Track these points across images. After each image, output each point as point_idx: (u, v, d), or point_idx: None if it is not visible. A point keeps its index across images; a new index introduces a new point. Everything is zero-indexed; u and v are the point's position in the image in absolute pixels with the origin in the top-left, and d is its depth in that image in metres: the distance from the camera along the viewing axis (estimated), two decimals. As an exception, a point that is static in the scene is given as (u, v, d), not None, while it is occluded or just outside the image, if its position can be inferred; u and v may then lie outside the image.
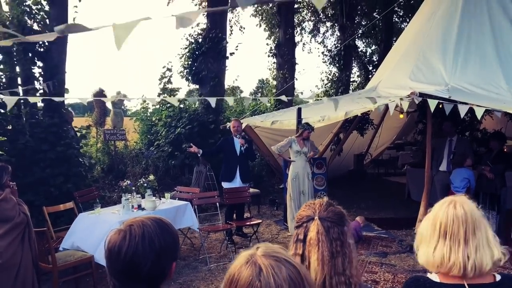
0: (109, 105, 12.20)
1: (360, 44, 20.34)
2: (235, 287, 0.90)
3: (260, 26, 16.74)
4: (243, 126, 8.47)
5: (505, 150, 7.09)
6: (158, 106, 11.31)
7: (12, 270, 3.57)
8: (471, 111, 5.20)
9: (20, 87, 7.09)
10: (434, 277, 1.53)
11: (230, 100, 5.06)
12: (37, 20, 7.56)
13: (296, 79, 14.47)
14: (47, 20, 7.65)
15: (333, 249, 1.44)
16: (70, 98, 5.78)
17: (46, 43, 7.42)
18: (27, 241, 3.70)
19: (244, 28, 15.53)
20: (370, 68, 18.63)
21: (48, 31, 7.46)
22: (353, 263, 1.46)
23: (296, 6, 16.21)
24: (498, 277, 1.46)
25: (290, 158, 7.09)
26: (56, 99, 5.85)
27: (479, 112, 4.81)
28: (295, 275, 0.90)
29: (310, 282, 0.93)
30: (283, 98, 5.21)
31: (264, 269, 0.89)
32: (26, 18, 7.38)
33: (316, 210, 1.50)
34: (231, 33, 12.95)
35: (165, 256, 1.23)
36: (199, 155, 7.04)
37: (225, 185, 6.89)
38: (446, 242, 1.44)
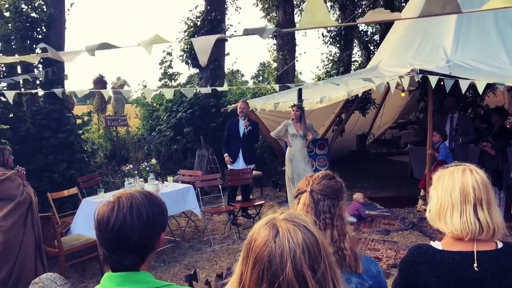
0: (109, 91, 12.16)
1: (361, 23, 20.10)
2: (252, 246, 0.93)
3: (257, 5, 16.48)
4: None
5: (507, 126, 7.07)
6: (158, 91, 11.28)
7: (14, 247, 3.73)
8: (473, 87, 5.17)
9: (19, 76, 7.08)
10: (436, 244, 1.56)
11: (225, 88, 5.08)
12: (34, 7, 7.50)
13: (297, 61, 14.37)
14: (44, 7, 7.60)
15: (321, 221, 1.45)
16: (66, 91, 5.76)
17: (44, 29, 7.39)
18: (30, 222, 3.83)
19: (240, 8, 15.31)
20: (372, 47, 18.45)
21: (46, 19, 7.43)
22: (347, 236, 1.47)
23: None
24: (500, 245, 1.50)
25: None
26: (56, 90, 5.82)
27: (480, 86, 4.77)
28: (311, 241, 0.91)
29: (327, 251, 0.94)
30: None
31: (281, 231, 0.91)
32: (23, 5, 7.33)
33: (310, 183, 1.52)
34: (231, 14, 12.81)
35: (153, 226, 1.26)
36: (231, 161, 6.99)
37: (228, 167, 7.00)
38: (483, 208, 1.46)
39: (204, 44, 1.75)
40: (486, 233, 1.45)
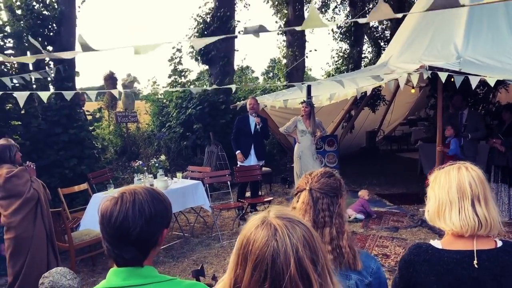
0: (120, 87, 12.26)
1: (371, 19, 19.91)
2: (250, 249, 0.91)
3: (267, 2, 16.42)
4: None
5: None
6: (168, 88, 11.35)
7: (26, 242, 3.83)
8: (484, 83, 5.11)
9: (31, 72, 7.17)
10: (436, 243, 1.56)
11: (232, 86, 5.24)
12: (45, 5, 7.58)
13: (307, 57, 14.32)
14: (55, 5, 7.68)
15: (320, 219, 1.46)
16: (77, 91, 5.85)
17: (55, 27, 7.47)
18: (39, 217, 3.90)
19: (249, 5, 15.18)
20: (382, 44, 18.30)
21: (57, 16, 7.51)
22: (345, 234, 1.48)
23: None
24: (499, 243, 1.50)
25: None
26: (66, 93, 5.89)
27: (491, 82, 4.73)
28: (308, 235, 0.92)
29: (322, 245, 0.95)
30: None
31: (279, 229, 0.91)
32: (35, 2, 7.41)
33: (309, 181, 1.53)
34: (240, 11, 12.79)
35: (155, 222, 1.28)
36: (244, 159, 6.94)
37: (239, 163, 7.01)
38: (481, 203, 1.46)
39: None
40: (485, 228, 1.45)
